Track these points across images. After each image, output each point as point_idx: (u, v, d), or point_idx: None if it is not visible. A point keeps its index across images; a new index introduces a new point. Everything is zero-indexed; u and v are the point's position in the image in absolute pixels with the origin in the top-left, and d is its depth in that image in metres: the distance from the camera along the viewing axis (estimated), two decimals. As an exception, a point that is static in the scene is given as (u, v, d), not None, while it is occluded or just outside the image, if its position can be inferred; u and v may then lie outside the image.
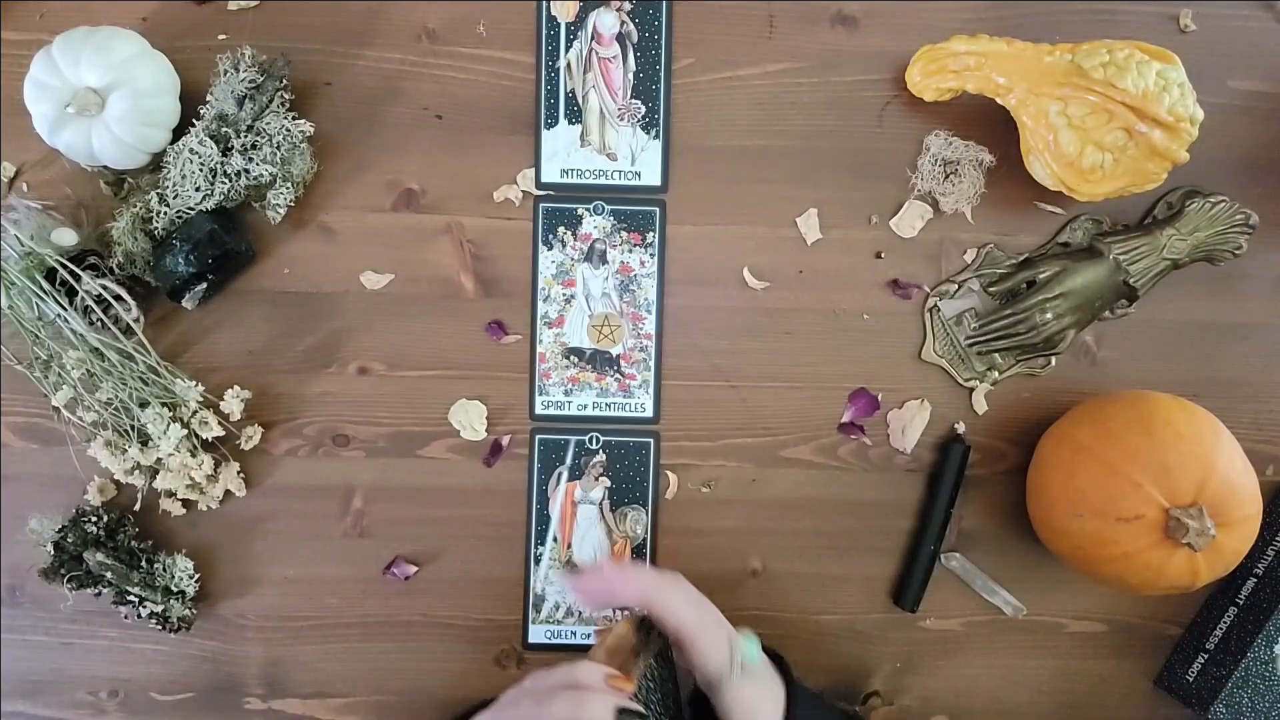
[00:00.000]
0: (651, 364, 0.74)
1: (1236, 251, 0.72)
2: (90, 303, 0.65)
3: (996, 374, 0.75)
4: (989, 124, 0.73)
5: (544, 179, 0.73)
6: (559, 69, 0.73)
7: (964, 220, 0.74)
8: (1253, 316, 0.76)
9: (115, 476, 0.69)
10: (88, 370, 0.66)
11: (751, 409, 0.74)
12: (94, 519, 0.69)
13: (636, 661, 0.52)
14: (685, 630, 0.55)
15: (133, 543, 0.70)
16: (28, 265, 0.65)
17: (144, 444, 0.68)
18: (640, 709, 0.50)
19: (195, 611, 0.71)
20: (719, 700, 0.56)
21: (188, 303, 0.69)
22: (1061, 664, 0.77)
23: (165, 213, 0.67)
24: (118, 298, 0.66)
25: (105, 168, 0.69)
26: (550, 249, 0.73)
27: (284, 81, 0.69)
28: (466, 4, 0.72)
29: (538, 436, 0.74)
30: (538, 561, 0.74)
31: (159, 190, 0.67)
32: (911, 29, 0.73)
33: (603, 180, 0.73)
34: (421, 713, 0.75)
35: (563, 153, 0.73)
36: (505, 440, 0.74)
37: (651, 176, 0.73)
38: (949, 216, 0.74)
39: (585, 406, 0.74)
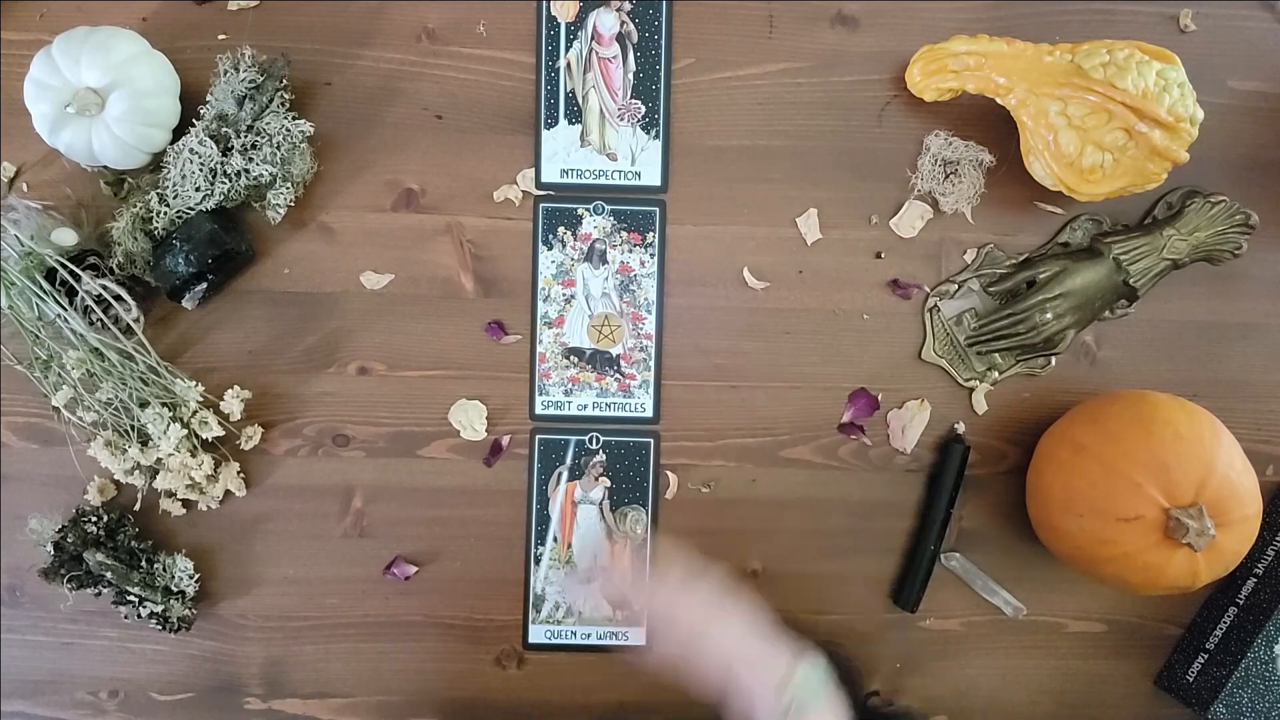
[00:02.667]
0: (651, 364, 0.74)
1: (1236, 251, 0.72)
2: (90, 303, 0.65)
3: (996, 374, 0.75)
4: (989, 124, 0.73)
5: (544, 179, 0.73)
6: (559, 69, 0.72)
7: (964, 220, 0.74)
8: (1253, 316, 0.76)
9: (115, 476, 0.69)
10: (88, 370, 0.66)
11: (751, 409, 0.74)
12: (94, 519, 0.69)
13: None
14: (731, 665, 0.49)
15: (133, 543, 0.70)
16: (28, 265, 0.65)
17: (144, 444, 0.68)
18: None
19: (195, 611, 0.71)
20: None
21: (188, 303, 0.69)
22: (1061, 664, 0.77)
23: (165, 213, 0.67)
24: (118, 298, 0.66)
25: (105, 168, 0.69)
26: (550, 249, 0.73)
27: (284, 81, 0.69)
28: (466, 4, 0.72)
29: (538, 436, 0.74)
30: (538, 561, 0.74)
31: (159, 190, 0.67)
32: (911, 29, 0.73)
33: (603, 180, 0.73)
34: (421, 713, 0.75)
35: (563, 153, 0.73)
36: (505, 440, 0.74)
37: (651, 176, 0.73)
38: (949, 216, 0.74)
39: (585, 406, 0.74)
